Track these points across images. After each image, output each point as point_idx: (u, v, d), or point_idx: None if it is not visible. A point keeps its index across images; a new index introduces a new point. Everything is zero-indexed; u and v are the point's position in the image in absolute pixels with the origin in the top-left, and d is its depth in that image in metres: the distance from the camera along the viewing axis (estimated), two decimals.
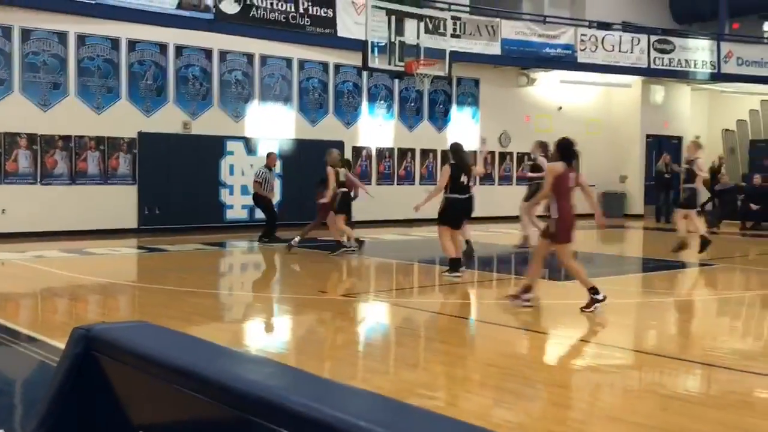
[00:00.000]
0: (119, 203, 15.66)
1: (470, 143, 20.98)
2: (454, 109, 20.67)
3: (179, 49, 16.47)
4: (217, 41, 16.62)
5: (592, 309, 7.73)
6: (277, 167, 16.20)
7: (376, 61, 14.86)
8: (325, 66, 18.47)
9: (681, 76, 22.71)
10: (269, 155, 14.95)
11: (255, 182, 14.66)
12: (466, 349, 6.81)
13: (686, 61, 22.41)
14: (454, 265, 10.07)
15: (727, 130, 23.70)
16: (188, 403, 1.80)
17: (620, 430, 4.44)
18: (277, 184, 16.23)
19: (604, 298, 7.75)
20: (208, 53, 16.82)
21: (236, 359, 1.98)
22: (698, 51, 22.64)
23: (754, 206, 18.74)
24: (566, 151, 8.13)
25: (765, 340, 7.34)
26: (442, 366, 5.97)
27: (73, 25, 15.08)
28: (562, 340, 7.16)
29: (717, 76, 22.92)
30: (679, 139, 24.18)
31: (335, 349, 6.72)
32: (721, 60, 22.64)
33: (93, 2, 14.56)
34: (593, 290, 7.77)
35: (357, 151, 19.00)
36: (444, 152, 20.43)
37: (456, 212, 10.36)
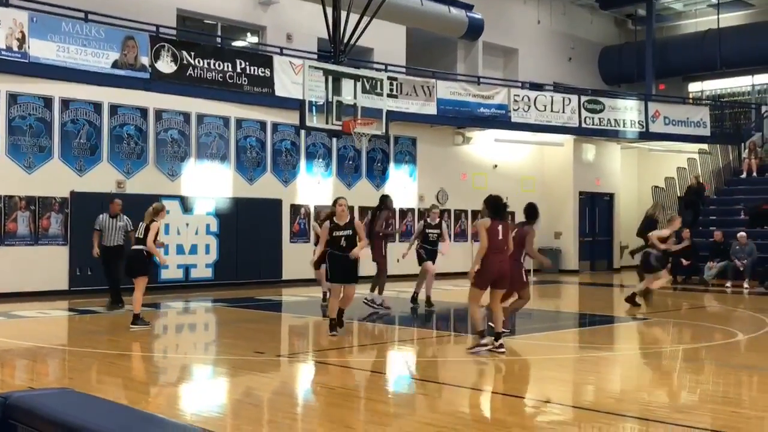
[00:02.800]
0: (50, 264, 15.24)
1: (408, 200, 21.16)
2: (392, 167, 20.85)
3: (114, 108, 16.31)
4: (152, 100, 16.52)
5: (475, 351, 8.59)
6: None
7: (314, 120, 14.93)
8: (262, 125, 18.50)
9: (611, 134, 23.41)
10: (111, 202, 13.75)
11: (95, 231, 13.49)
12: (406, 409, 6.74)
13: (615, 120, 23.15)
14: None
15: (656, 186, 24.40)
16: None
17: None
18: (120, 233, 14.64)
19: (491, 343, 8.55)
20: (143, 112, 16.69)
21: (160, 427, 1.91)
22: (627, 111, 23.42)
23: (685, 261, 19.22)
24: (495, 206, 9.00)
25: (697, 393, 7.45)
26: (379, 427, 5.89)
27: (4, 84, 14.82)
28: (501, 397, 7.15)
29: (645, 135, 23.70)
30: (611, 195, 24.81)
31: (272, 411, 6.57)
32: (648, 119, 23.44)
33: (26, 61, 14.36)
34: (481, 334, 8.64)
35: (295, 209, 18.94)
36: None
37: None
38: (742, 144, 24.80)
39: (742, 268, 18.45)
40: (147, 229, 10.74)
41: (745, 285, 18.12)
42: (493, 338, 8.72)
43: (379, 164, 20.64)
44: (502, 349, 8.66)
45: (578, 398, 7.24)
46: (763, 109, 25.82)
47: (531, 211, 10.24)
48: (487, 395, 7.24)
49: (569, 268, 23.30)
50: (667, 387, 7.69)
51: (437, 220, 13.96)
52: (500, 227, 8.79)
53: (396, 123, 18.41)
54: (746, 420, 6.07)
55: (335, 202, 10.49)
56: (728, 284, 18.39)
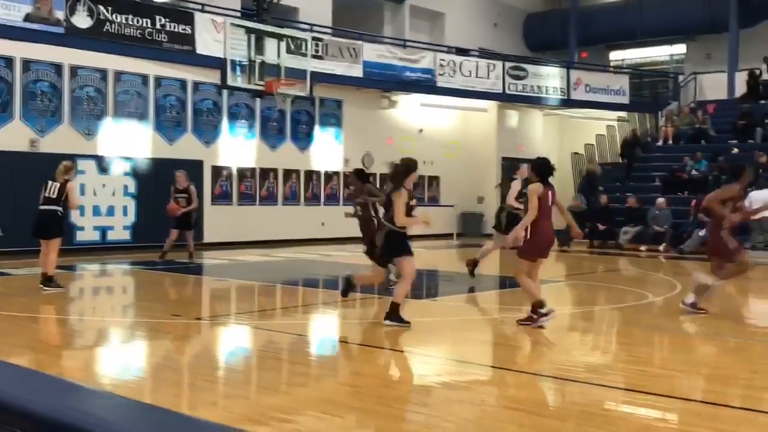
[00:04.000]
0: None
1: (334, 164, 21.06)
2: (318, 130, 20.68)
3: (27, 63, 15.66)
4: (68, 56, 15.92)
5: (538, 321, 8.17)
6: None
7: (237, 80, 14.67)
8: (183, 83, 18.06)
9: (534, 101, 23.71)
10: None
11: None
12: (326, 371, 6.75)
13: (538, 87, 23.43)
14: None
15: (576, 153, 24.88)
16: None
17: None
18: None
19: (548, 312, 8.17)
20: (58, 68, 16.07)
21: (71, 391, 1.83)
22: (550, 78, 23.73)
23: (601, 226, 19.72)
24: (544, 170, 8.40)
25: (610, 354, 7.67)
26: (300, 388, 5.88)
27: None
28: (420, 357, 7.22)
29: (567, 102, 24.10)
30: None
31: (192, 375, 6.49)
32: (570, 87, 23.81)
33: None
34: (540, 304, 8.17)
35: (217, 170, 18.64)
36: (307, 172, 20.41)
37: None
38: (659, 112, 25.47)
39: (663, 232, 18.99)
40: (61, 190, 10.37)
41: (660, 248, 18.71)
42: (545, 309, 8.18)
43: (304, 126, 20.44)
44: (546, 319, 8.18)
45: (494, 358, 7.37)
46: (680, 78, 26.52)
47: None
48: (410, 356, 7.30)
49: (491, 232, 23.61)
50: (580, 347, 7.89)
51: (185, 185, 14.77)
52: (550, 193, 8.22)
53: (321, 85, 18.23)
54: (654, 378, 6.28)
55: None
56: (642, 248, 18.96)
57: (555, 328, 8.28)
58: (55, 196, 10.38)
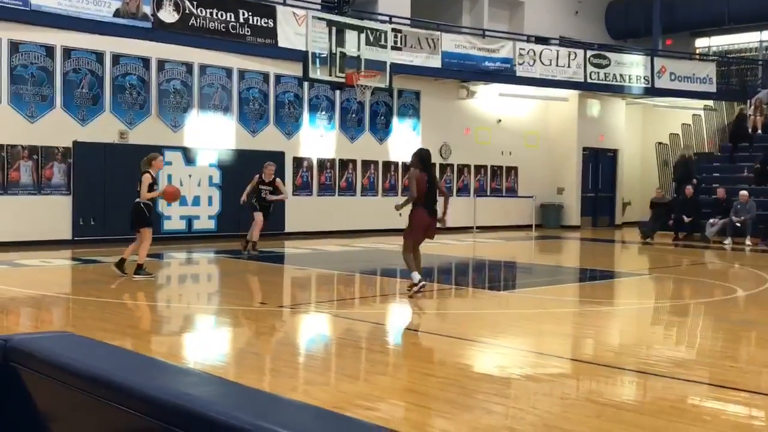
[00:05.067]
0: (53, 214, 15.28)
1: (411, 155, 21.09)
2: (396, 121, 20.75)
3: (116, 58, 16.19)
4: (155, 50, 16.40)
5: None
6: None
7: (317, 72, 14.83)
8: (265, 76, 18.38)
9: (616, 90, 23.23)
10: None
11: None
12: (407, 360, 6.81)
13: (621, 75, 22.94)
14: None
15: (660, 143, 24.29)
16: (112, 416, 1.74)
17: None
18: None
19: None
20: (145, 62, 16.57)
21: (160, 370, 1.93)
22: (633, 66, 23.20)
23: (686, 218, 19.23)
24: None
25: (696, 348, 7.51)
26: (382, 377, 5.95)
27: (6, 32, 14.69)
28: (500, 349, 7.21)
29: (650, 91, 23.51)
30: (615, 151, 24.72)
31: (275, 361, 6.64)
32: (654, 75, 23.23)
33: (27, 9, 14.21)
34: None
35: (298, 161, 18.93)
36: (385, 163, 20.54)
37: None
38: (748, 101, 24.60)
39: (739, 224, 18.44)
40: (142, 181, 10.70)
41: (747, 242, 18.15)
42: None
43: (382, 118, 20.54)
44: None
45: (576, 351, 7.30)
46: None
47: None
48: (490, 347, 7.29)
49: (571, 224, 23.32)
50: (666, 341, 7.74)
51: (272, 177, 14.19)
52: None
53: (400, 76, 18.29)
54: (743, 374, 6.12)
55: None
56: (726, 241, 18.40)
57: (640, 321, 8.13)
58: (138, 188, 10.72)
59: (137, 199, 10.71)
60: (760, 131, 22.94)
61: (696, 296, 10.76)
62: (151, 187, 10.71)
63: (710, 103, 24.64)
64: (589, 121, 23.90)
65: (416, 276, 9.46)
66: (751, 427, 4.91)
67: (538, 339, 7.62)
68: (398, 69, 17.56)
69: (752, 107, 23.62)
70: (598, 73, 22.57)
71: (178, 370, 2.09)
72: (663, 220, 19.74)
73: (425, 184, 9.57)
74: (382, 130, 20.56)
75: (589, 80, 22.48)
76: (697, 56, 27.02)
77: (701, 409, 5.25)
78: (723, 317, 8.80)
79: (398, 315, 9.29)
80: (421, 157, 9.76)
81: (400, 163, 20.75)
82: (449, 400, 5.25)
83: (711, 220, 19.16)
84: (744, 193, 18.90)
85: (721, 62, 26.12)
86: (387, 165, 20.63)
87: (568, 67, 22.18)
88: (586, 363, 6.66)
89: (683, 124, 24.50)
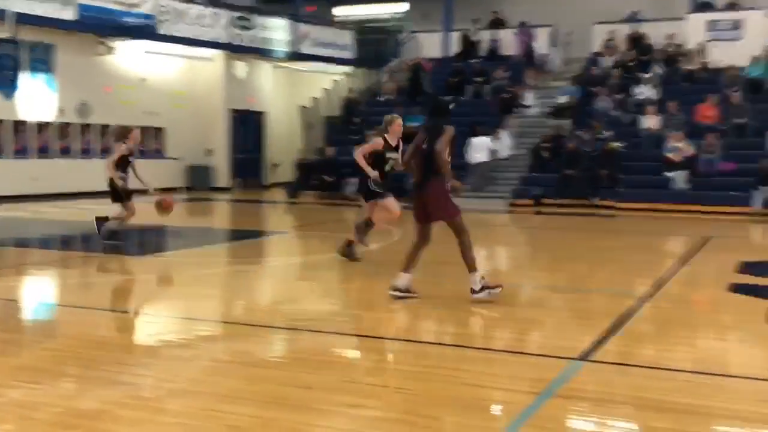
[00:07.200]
0: None
1: (47, 114, 19.37)
2: (25, 76, 18.83)
3: None
4: None
5: None
6: None
7: None
8: None
9: (261, 53, 23.48)
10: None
11: None
12: (27, 336, 6.19)
13: (266, 39, 23.24)
14: None
15: (303, 106, 25.11)
16: None
17: (197, 403, 4.33)
18: None
19: None
20: None
21: None
22: (277, 30, 23.61)
23: (328, 178, 20.12)
24: None
25: (339, 301, 7.84)
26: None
27: None
28: (145, 318, 6.88)
29: (294, 56, 24.16)
30: (262, 114, 25.05)
31: None
32: (297, 40, 23.87)
33: None
34: None
35: None
36: (16, 123, 18.71)
37: None
38: (382, 68, 26.37)
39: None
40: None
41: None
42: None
43: (8, 72, 18.49)
44: None
45: (220, 314, 7.21)
46: (401, 35, 27.60)
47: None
48: (133, 316, 6.91)
49: (221, 186, 23.24)
50: (310, 296, 7.97)
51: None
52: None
53: (28, 27, 16.60)
54: (378, 323, 6.49)
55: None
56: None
57: (285, 279, 8.25)
58: None
59: None
60: (392, 96, 24.66)
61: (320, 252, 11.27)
62: None
63: (349, 69, 25.98)
64: (237, 83, 23.89)
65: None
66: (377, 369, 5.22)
67: (185, 303, 7.40)
68: (24, 19, 15.91)
69: (386, 75, 25.37)
70: (244, 35, 22.61)
71: None
72: (307, 180, 20.48)
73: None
74: (8, 86, 18.49)
75: (234, 42, 22.43)
76: (337, 24, 28.28)
77: (341, 359, 5.46)
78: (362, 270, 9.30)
79: (34, 289, 8.46)
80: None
81: (34, 123, 18.96)
82: (73, 375, 4.86)
83: (352, 180, 20.23)
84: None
85: (358, 31, 27.59)
86: (17, 124, 18.75)
87: (214, 27, 21.90)
88: (234, 324, 6.60)
89: (324, 88, 25.57)
